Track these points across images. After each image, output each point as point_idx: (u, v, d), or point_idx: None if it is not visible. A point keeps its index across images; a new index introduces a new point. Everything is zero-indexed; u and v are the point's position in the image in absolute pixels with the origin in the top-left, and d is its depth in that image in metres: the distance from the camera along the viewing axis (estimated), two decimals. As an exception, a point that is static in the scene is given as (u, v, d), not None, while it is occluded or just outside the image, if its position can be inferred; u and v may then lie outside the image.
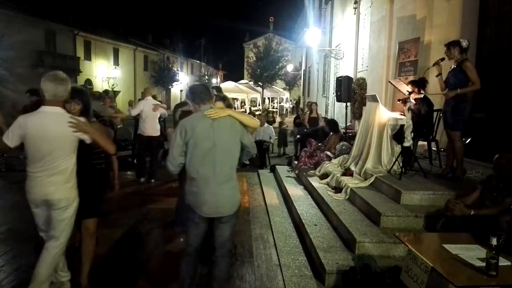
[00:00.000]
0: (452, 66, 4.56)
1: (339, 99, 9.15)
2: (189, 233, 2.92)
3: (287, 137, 12.19)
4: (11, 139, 2.77)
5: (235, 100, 27.21)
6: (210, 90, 2.98)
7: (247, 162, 2.52)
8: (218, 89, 6.76)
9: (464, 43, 4.45)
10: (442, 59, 4.63)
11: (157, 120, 7.59)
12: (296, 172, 7.23)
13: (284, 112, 26.27)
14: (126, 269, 3.83)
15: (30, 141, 2.76)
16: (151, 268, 3.89)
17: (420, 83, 5.04)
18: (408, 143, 4.64)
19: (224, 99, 3.39)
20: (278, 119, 17.43)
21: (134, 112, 7.64)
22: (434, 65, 4.68)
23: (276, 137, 11.55)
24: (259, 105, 28.98)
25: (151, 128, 7.38)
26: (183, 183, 3.24)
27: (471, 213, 3.10)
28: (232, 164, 2.86)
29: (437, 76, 4.66)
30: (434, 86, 5.15)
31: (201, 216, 2.81)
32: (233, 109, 3.40)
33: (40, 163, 2.77)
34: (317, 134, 8.85)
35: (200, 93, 2.89)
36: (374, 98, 5.78)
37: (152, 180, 7.52)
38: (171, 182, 7.09)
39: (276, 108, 30.11)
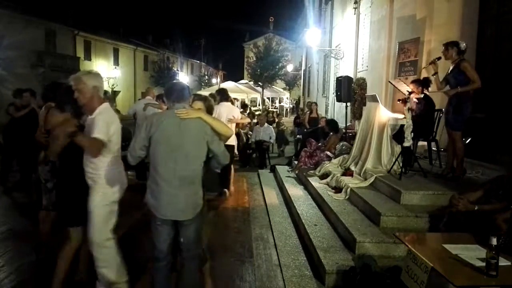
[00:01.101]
0: (451, 67, 4.56)
1: (339, 99, 9.14)
2: (154, 238, 2.81)
3: (287, 136, 12.18)
4: None
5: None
6: (187, 90, 2.86)
7: (218, 171, 2.46)
8: (223, 92, 6.79)
9: (462, 45, 4.46)
10: (439, 58, 4.64)
11: None
12: (296, 172, 7.23)
13: (284, 112, 26.27)
14: (126, 268, 3.83)
15: None
16: (149, 268, 3.88)
17: (424, 83, 5.05)
18: (408, 143, 4.64)
19: (205, 99, 3.25)
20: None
21: (129, 112, 7.65)
22: (430, 63, 4.70)
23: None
24: (259, 105, 28.96)
25: None
26: None
27: (475, 208, 3.09)
28: (195, 167, 2.73)
29: (433, 75, 4.66)
30: (434, 86, 5.14)
31: (162, 219, 2.72)
32: (211, 113, 3.28)
33: None
34: (317, 134, 8.84)
35: (176, 91, 2.80)
36: (374, 98, 5.78)
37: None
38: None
39: (276, 108, 30.09)
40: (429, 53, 6.44)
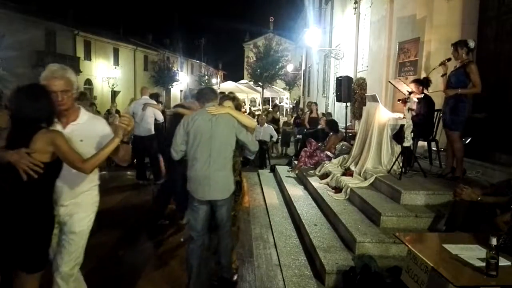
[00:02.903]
0: (456, 66, 4.55)
1: (339, 99, 9.14)
2: (192, 219, 3.28)
3: (289, 137, 12.19)
4: None
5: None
6: (215, 91, 3.53)
7: (251, 158, 3.05)
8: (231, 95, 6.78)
9: (471, 44, 4.44)
10: (449, 59, 4.62)
11: (149, 120, 7.36)
12: (296, 172, 7.23)
13: (284, 112, 26.24)
14: (126, 268, 3.83)
15: None
16: (152, 267, 3.89)
17: (424, 83, 5.04)
18: (408, 143, 4.64)
19: (233, 99, 3.72)
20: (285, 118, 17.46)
21: (129, 112, 7.60)
22: (440, 65, 4.68)
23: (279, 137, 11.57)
24: (259, 105, 28.94)
25: (141, 127, 7.23)
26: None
27: (478, 198, 3.09)
28: (226, 155, 3.22)
29: (442, 76, 4.66)
30: (436, 86, 5.15)
31: (199, 200, 3.19)
32: (240, 111, 3.69)
33: None
34: (317, 134, 8.85)
35: (205, 94, 3.40)
36: (374, 98, 5.78)
37: (157, 182, 7.05)
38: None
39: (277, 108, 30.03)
40: (429, 53, 6.44)
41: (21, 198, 2.21)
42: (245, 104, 28.36)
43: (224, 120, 3.21)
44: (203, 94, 3.42)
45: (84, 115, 2.59)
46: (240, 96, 27.70)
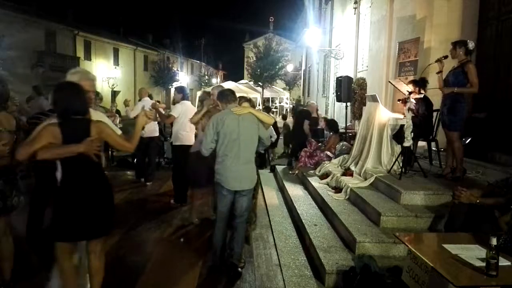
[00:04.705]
0: (454, 66, 4.55)
1: (339, 99, 9.14)
2: (219, 204, 3.73)
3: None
4: None
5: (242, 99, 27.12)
6: (234, 93, 3.90)
7: (262, 151, 3.60)
8: (246, 97, 6.83)
9: (471, 45, 4.43)
10: (445, 57, 4.61)
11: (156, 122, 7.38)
12: (296, 172, 7.23)
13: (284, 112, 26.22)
14: (126, 268, 3.83)
15: None
16: (151, 266, 3.89)
17: (420, 83, 5.04)
18: (408, 143, 4.64)
19: (249, 100, 4.35)
20: (278, 119, 17.42)
21: (133, 114, 7.59)
22: (436, 61, 4.66)
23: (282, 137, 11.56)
24: (259, 105, 28.96)
25: (150, 128, 7.28)
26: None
27: (477, 201, 3.09)
28: (252, 150, 3.71)
29: (437, 73, 4.65)
30: (433, 84, 5.14)
31: (228, 189, 3.63)
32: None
33: None
34: (317, 134, 8.85)
35: (227, 96, 3.80)
36: (374, 98, 5.78)
37: (147, 183, 7.33)
38: (167, 181, 7.11)
39: (276, 108, 30.04)
40: (429, 53, 6.44)
41: (95, 176, 2.67)
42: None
43: (249, 119, 3.64)
44: (225, 96, 3.81)
45: (92, 111, 2.90)
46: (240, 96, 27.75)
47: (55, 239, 2.66)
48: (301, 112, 9.03)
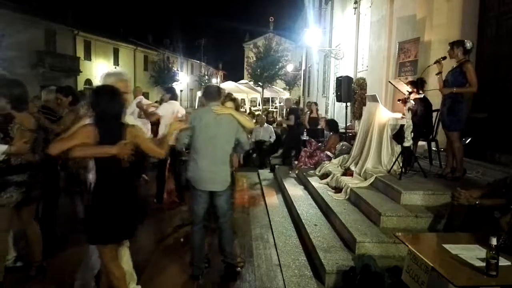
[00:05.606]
0: (453, 66, 4.55)
1: (339, 99, 9.15)
2: (194, 206, 3.61)
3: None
4: None
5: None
6: (220, 91, 3.74)
7: (243, 154, 3.53)
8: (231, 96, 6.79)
9: (468, 44, 4.43)
10: (444, 58, 4.61)
11: (148, 121, 7.40)
12: (296, 172, 7.23)
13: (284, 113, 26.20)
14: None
15: None
16: (151, 266, 3.88)
17: (418, 83, 5.04)
18: (408, 143, 4.64)
19: (234, 100, 4.15)
20: (279, 119, 17.42)
21: (128, 112, 7.53)
22: (435, 63, 4.66)
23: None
24: (259, 105, 28.92)
25: (146, 127, 7.24)
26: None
27: (477, 202, 3.09)
28: (227, 151, 3.58)
29: (437, 74, 4.65)
30: (433, 85, 5.14)
31: (201, 189, 3.53)
32: (239, 111, 4.06)
33: None
34: (317, 134, 8.85)
35: (211, 93, 3.67)
36: (374, 98, 5.78)
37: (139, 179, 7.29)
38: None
39: (276, 108, 30.05)
40: (429, 53, 6.44)
41: (126, 179, 2.72)
42: (245, 104, 28.39)
43: (227, 120, 3.54)
44: (209, 93, 3.69)
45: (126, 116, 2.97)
46: (240, 96, 27.77)
47: (104, 242, 2.70)
48: (290, 110, 9.09)
